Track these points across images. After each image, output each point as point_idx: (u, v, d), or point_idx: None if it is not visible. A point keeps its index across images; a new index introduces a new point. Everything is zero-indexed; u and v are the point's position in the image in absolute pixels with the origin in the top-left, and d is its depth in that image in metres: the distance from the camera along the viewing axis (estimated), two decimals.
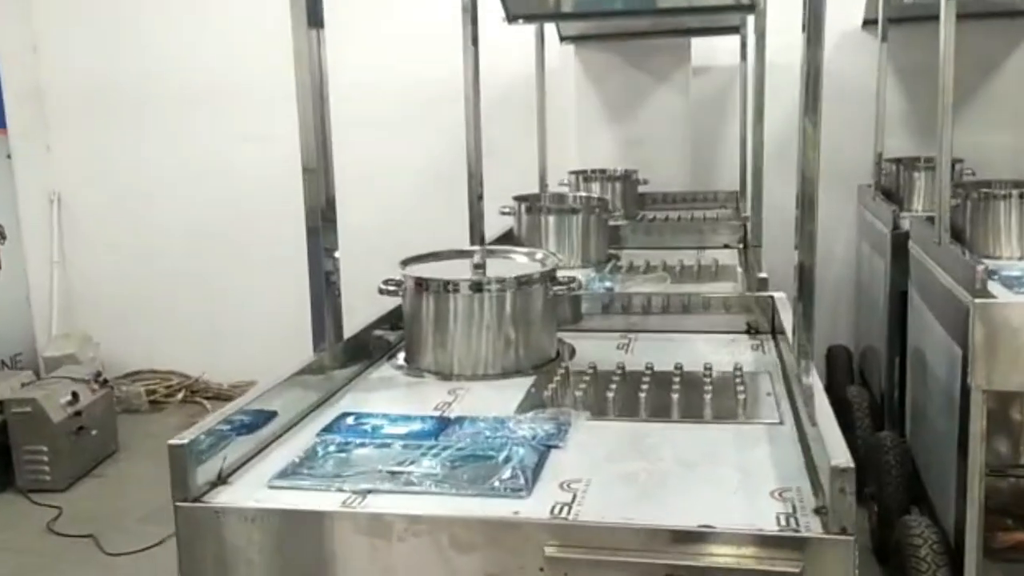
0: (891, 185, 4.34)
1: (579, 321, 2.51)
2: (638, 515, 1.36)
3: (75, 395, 4.49)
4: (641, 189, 4.45)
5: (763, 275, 2.64)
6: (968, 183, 3.62)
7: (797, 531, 1.30)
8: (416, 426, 1.76)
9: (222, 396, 5.47)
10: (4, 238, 5.34)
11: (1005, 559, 2.73)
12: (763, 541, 1.28)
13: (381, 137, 5.13)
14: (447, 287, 2.09)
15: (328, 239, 2.02)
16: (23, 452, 4.35)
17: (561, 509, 1.39)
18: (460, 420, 1.78)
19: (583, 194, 4.03)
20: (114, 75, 5.55)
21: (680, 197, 4.61)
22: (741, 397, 1.84)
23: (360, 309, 2.24)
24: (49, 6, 5.60)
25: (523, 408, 1.86)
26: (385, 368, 2.21)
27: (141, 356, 5.78)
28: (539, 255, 2.40)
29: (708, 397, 1.87)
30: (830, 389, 3.56)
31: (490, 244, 3.23)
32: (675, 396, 1.87)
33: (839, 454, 1.30)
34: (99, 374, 4.84)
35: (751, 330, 2.40)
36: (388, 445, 1.67)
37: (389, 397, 2.00)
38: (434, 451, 1.61)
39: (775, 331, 2.33)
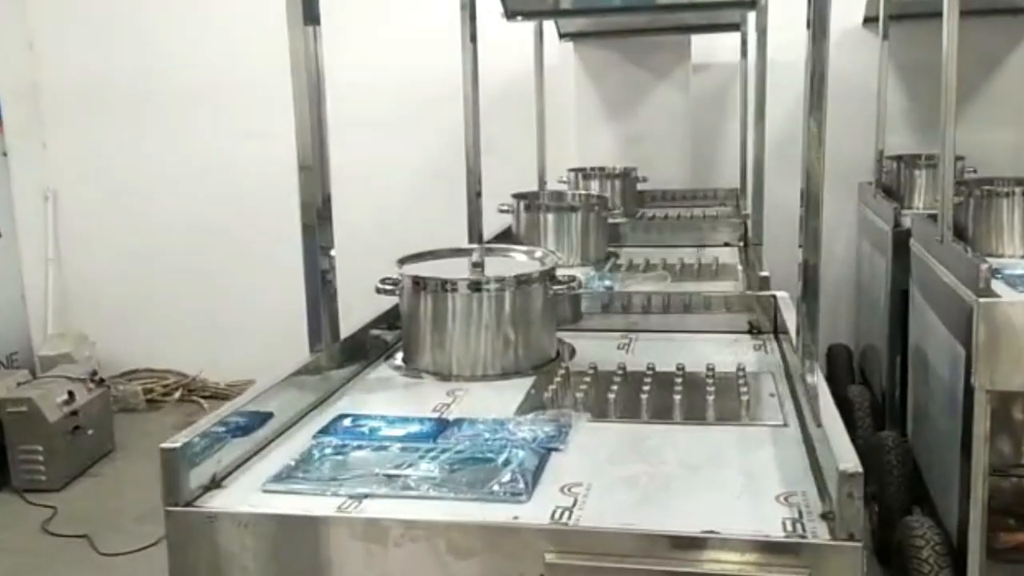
0: (892, 183, 4.32)
1: (579, 320, 2.49)
2: (640, 520, 1.34)
3: (71, 394, 4.47)
4: (640, 187, 4.43)
5: (765, 274, 2.62)
6: (971, 181, 3.60)
7: (804, 537, 1.27)
8: (414, 428, 1.74)
9: (220, 395, 5.45)
10: None
11: (1007, 560, 2.71)
12: (769, 547, 1.25)
13: (379, 135, 5.12)
14: (445, 286, 2.06)
15: (324, 238, 2.00)
16: (18, 452, 4.33)
17: (562, 514, 1.37)
18: (459, 422, 1.76)
19: (582, 192, 4.01)
20: (110, 72, 5.52)
21: (679, 195, 4.60)
22: (744, 398, 1.81)
23: (358, 308, 2.22)
24: (45, 2, 5.57)
25: (523, 409, 1.83)
26: (383, 368, 2.18)
27: (138, 355, 5.75)
28: (538, 253, 2.37)
29: (711, 398, 1.84)
30: (830, 388, 3.53)
31: (489, 242, 3.21)
32: (677, 397, 1.85)
33: (847, 458, 1.27)
34: (95, 373, 4.82)
35: (753, 329, 2.38)
36: (385, 448, 1.64)
37: (387, 398, 1.97)
38: (432, 454, 1.59)
39: (777, 330, 2.30)
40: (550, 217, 3.34)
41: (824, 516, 1.32)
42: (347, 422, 1.78)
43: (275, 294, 4.70)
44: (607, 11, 4.08)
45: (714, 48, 4.83)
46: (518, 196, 3.49)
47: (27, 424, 4.28)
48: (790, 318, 2.10)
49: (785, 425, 1.73)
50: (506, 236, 3.43)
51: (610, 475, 1.52)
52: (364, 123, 4.85)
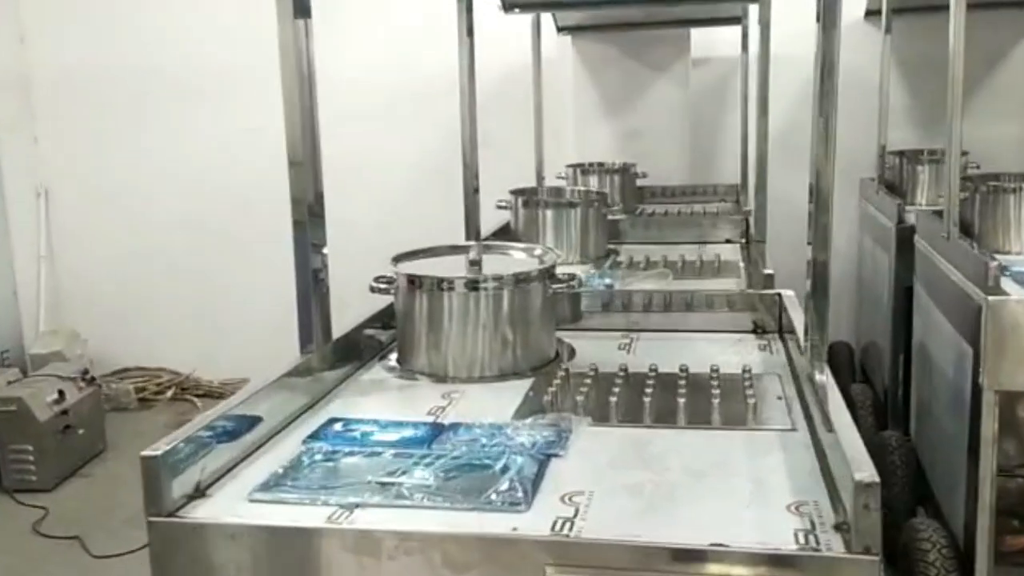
0: (894, 178, 4.29)
1: (578, 320, 2.43)
2: (644, 531, 1.28)
3: (62, 393, 4.42)
4: (640, 182, 4.39)
5: (769, 271, 2.57)
6: (976, 176, 3.55)
7: (817, 550, 1.21)
8: (408, 432, 1.68)
9: (213, 393, 5.39)
10: None
11: (1015, 563, 2.67)
12: (780, 561, 1.20)
13: (375, 130, 5.08)
14: (441, 285, 2.01)
15: (316, 235, 1.94)
16: (8, 451, 4.27)
17: (562, 525, 1.31)
18: (455, 426, 1.70)
19: (581, 187, 3.97)
20: (103, 66, 5.45)
21: (679, 191, 4.57)
22: (751, 401, 1.76)
23: (353, 307, 2.16)
24: None
25: (521, 413, 1.78)
26: (376, 370, 2.13)
27: (130, 353, 5.69)
28: (537, 251, 2.32)
29: (716, 401, 1.79)
30: None
31: (486, 239, 3.16)
32: (681, 400, 1.79)
33: (862, 466, 1.21)
34: (86, 371, 4.76)
35: (757, 329, 2.32)
36: (378, 453, 1.58)
37: (380, 401, 1.92)
38: (427, 460, 1.53)
39: (782, 330, 2.25)
40: (549, 213, 3.30)
41: (838, 527, 1.26)
42: (338, 426, 1.73)
43: (268, 291, 4.64)
44: (606, 4, 4.02)
45: (714, 42, 4.79)
46: (516, 192, 3.44)
47: (17, 424, 4.23)
48: (796, 317, 2.05)
49: (794, 429, 1.67)
50: (504, 233, 3.38)
51: (612, 483, 1.46)
52: (360, 118, 4.81)
